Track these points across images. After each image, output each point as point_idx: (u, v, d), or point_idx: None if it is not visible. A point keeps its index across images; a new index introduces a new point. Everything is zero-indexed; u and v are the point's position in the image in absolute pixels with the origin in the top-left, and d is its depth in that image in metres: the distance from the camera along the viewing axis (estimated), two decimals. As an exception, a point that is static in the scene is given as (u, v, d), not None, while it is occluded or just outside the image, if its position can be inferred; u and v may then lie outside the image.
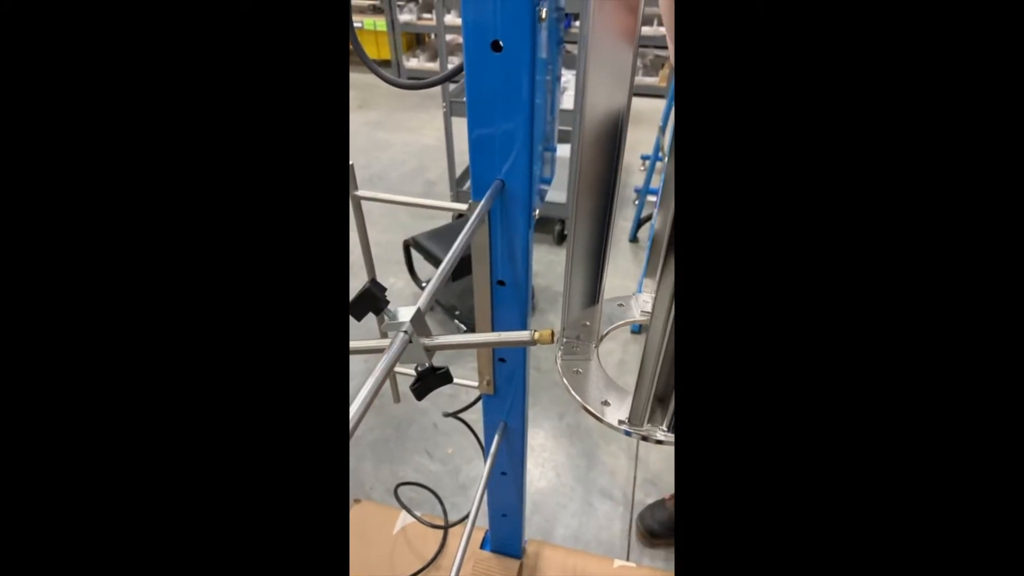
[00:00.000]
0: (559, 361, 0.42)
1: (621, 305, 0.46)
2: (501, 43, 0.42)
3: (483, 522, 0.87)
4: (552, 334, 0.30)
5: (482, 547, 0.89)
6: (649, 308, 0.45)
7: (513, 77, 0.43)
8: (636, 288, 1.49)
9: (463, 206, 0.49)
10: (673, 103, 1.86)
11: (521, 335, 0.30)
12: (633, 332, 1.84)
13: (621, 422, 0.37)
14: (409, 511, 0.85)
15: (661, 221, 0.42)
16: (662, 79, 3.44)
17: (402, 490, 0.82)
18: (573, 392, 0.39)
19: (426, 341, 0.30)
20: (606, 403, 0.38)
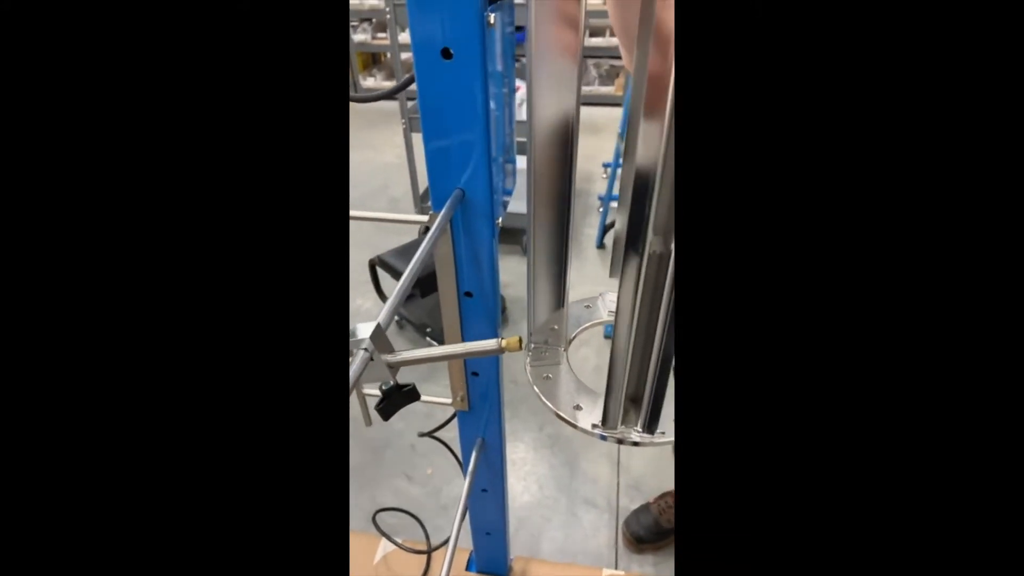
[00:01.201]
0: (528, 368, 0.41)
1: (588, 307, 0.45)
2: (451, 50, 0.41)
3: (467, 543, 0.85)
4: (520, 341, 0.29)
5: (467, 569, 0.86)
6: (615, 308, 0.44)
7: (466, 84, 0.43)
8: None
9: (424, 217, 0.48)
10: (629, 110, 1.89)
11: (488, 344, 0.28)
12: (607, 337, 1.84)
13: (595, 426, 0.36)
14: (389, 538, 0.82)
15: (621, 222, 0.41)
16: (618, 88, 3.52)
17: (382, 516, 0.79)
18: (544, 398, 0.38)
19: (388, 358, 0.28)
20: (578, 407, 0.37)
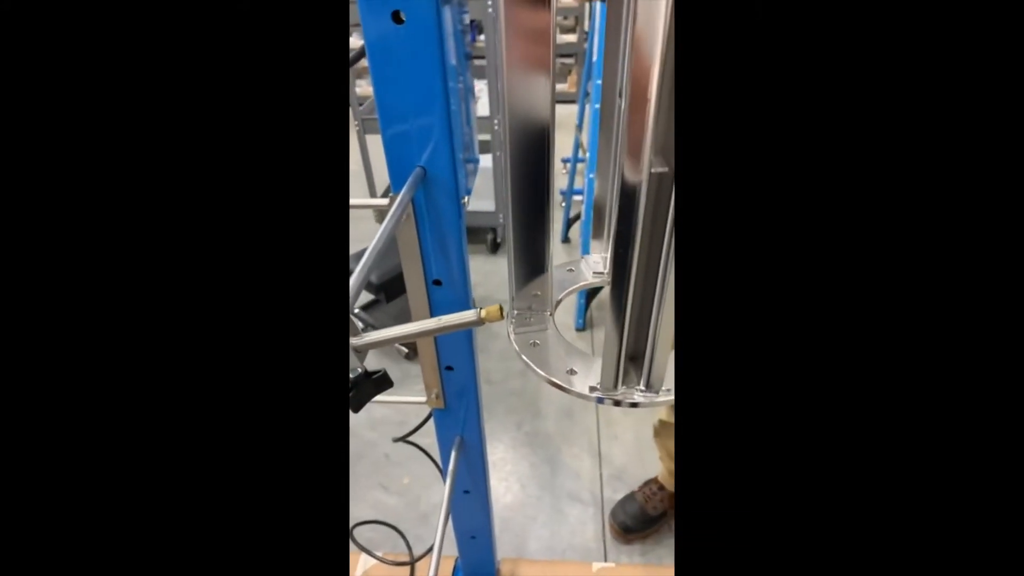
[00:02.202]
0: (512, 336, 0.38)
1: (571, 270, 0.42)
2: (402, 14, 0.38)
3: (451, 550, 0.82)
4: (500, 309, 0.26)
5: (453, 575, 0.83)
6: (601, 268, 0.42)
7: (421, 53, 0.40)
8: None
9: (383, 201, 0.45)
10: (584, 103, 1.90)
11: (466, 316, 0.26)
12: (578, 330, 1.83)
13: (593, 388, 0.33)
14: (369, 552, 0.78)
15: (600, 187, 0.39)
16: (571, 85, 3.55)
17: (359, 531, 0.74)
18: (533, 366, 0.35)
19: (354, 341, 0.25)
20: (572, 372, 0.34)
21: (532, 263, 0.35)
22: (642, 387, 0.32)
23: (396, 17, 0.38)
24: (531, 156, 0.32)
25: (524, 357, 0.35)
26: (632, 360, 0.32)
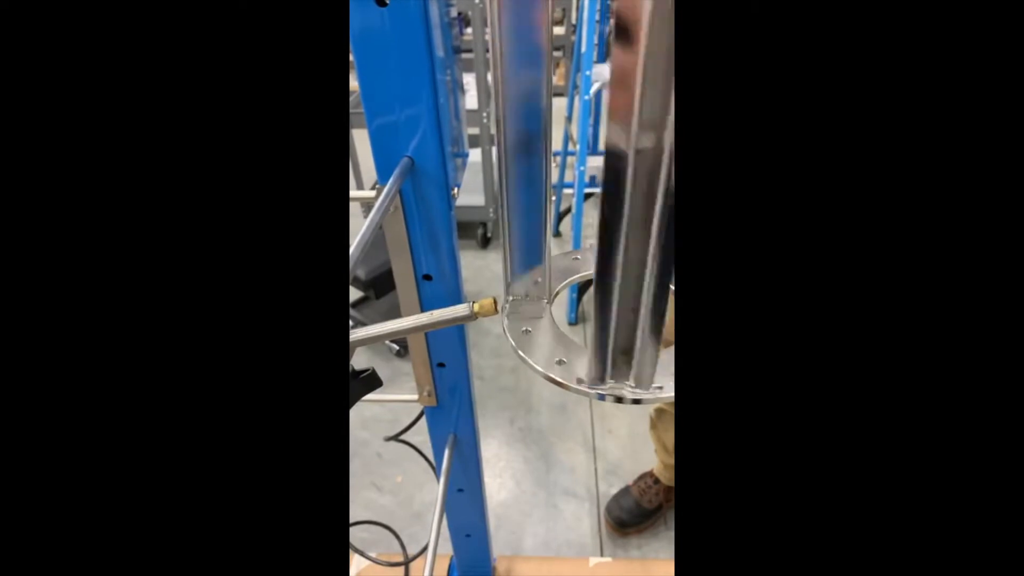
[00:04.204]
0: (505, 323, 0.36)
1: (576, 259, 0.40)
2: (385, -6, 0.36)
3: (446, 548, 0.81)
4: (495, 303, 0.25)
5: (449, 575, 0.81)
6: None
7: (406, 35, 0.38)
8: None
9: (369, 193, 0.43)
10: (573, 95, 1.89)
11: (458, 310, 0.24)
12: (571, 324, 1.82)
13: (580, 380, 0.31)
14: (363, 554, 0.77)
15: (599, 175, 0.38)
16: (559, 78, 3.53)
17: (352, 531, 0.73)
18: (521, 354, 0.33)
19: (340, 338, 0.24)
20: (561, 362, 0.33)
21: (528, 250, 0.33)
22: (632, 383, 0.30)
23: (379, 0, 0.36)
24: (528, 137, 0.31)
25: (512, 343, 0.34)
26: (623, 353, 0.30)
